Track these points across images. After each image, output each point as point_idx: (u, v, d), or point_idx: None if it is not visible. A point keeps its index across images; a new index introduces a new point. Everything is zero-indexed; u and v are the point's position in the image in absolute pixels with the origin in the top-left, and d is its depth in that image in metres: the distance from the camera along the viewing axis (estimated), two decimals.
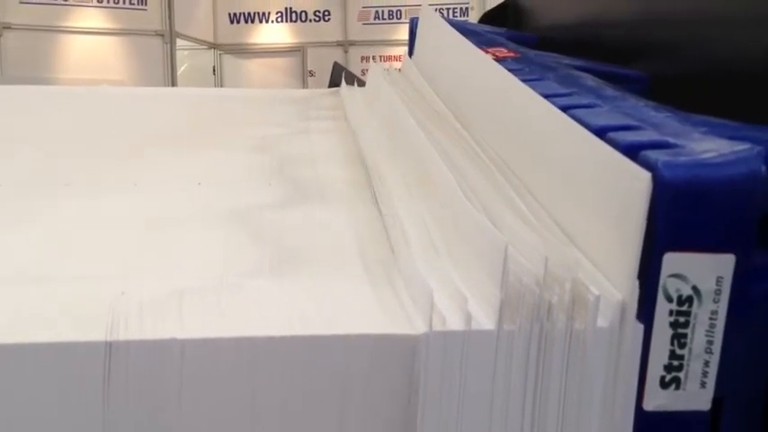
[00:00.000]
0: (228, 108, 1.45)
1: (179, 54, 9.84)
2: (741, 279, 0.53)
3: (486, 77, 0.94)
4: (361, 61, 10.50)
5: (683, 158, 0.54)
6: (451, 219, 0.69)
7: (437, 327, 0.54)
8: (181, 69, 10.06)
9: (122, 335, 0.53)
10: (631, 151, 0.57)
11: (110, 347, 0.52)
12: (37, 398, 0.52)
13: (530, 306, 0.53)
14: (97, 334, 0.53)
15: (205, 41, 10.91)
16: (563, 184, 0.65)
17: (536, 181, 0.71)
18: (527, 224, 0.63)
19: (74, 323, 0.55)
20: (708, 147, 0.56)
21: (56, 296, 0.59)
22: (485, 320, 0.54)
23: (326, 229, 0.77)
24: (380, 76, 1.34)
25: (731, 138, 0.58)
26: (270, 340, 0.54)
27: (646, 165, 0.54)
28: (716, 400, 0.56)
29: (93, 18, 8.98)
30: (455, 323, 0.55)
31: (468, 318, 0.54)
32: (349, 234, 0.76)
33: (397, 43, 10.12)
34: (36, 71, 8.00)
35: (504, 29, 1.45)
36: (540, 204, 0.68)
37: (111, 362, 0.52)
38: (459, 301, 0.56)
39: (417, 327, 0.55)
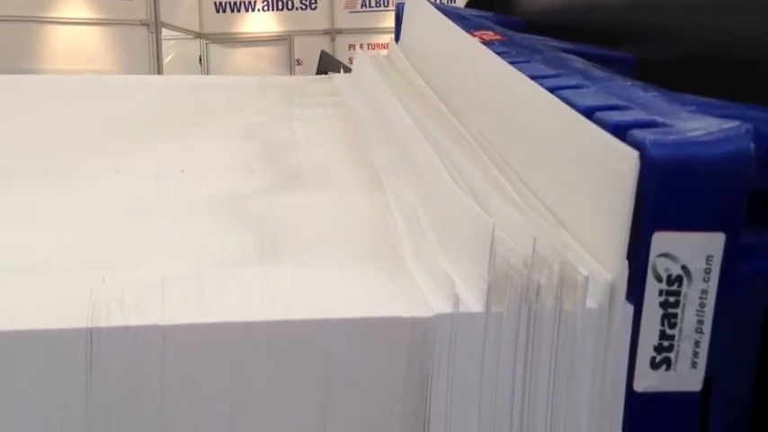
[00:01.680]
0: (213, 95, 1.44)
1: (165, 44, 9.76)
2: (731, 258, 0.53)
3: (474, 60, 0.93)
4: (349, 49, 10.45)
5: (671, 137, 0.54)
6: (439, 202, 0.68)
7: (425, 310, 0.54)
8: (167, 59, 9.99)
9: (103, 322, 0.52)
10: (619, 131, 0.56)
11: (90, 334, 0.52)
12: (18, 385, 0.52)
13: (518, 288, 0.53)
14: (78, 321, 0.52)
15: (191, 31, 10.84)
16: (551, 165, 0.65)
17: (523, 163, 0.70)
18: (514, 206, 0.63)
19: (54, 311, 0.54)
20: (696, 125, 0.56)
21: (36, 284, 0.59)
22: (473, 303, 0.54)
23: (312, 216, 0.77)
24: (367, 63, 1.33)
25: (719, 116, 0.58)
26: (252, 325, 0.53)
27: (633, 144, 0.53)
28: (706, 380, 0.55)
29: (77, 8, 8.89)
30: (443, 306, 0.54)
31: (457, 300, 0.53)
32: (335, 220, 0.75)
33: (384, 31, 10.08)
34: (21, 63, 7.93)
35: (492, 13, 1.45)
36: (528, 186, 0.67)
37: (93, 349, 0.52)
38: (447, 284, 0.56)
39: (404, 311, 0.54)
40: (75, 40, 8.82)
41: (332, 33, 10.95)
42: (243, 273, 0.61)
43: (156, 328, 0.52)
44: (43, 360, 0.51)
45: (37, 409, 0.52)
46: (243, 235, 0.70)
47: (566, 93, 0.68)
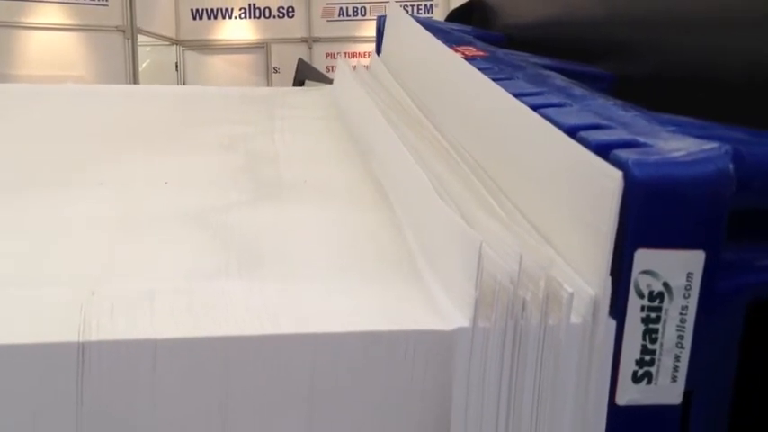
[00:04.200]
0: (196, 106, 1.44)
1: (141, 50, 9.70)
2: (711, 275, 0.54)
3: (457, 77, 0.94)
4: (326, 58, 10.46)
5: (653, 157, 0.55)
6: (425, 217, 0.69)
7: (412, 325, 0.55)
8: (143, 65, 9.93)
9: (94, 335, 0.53)
10: (602, 150, 0.57)
11: (82, 348, 0.52)
12: (8, 400, 0.52)
13: (504, 303, 0.54)
14: (69, 335, 0.52)
15: (167, 37, 10.78)
16: (535, 183, 0.66)
17: (508, 180, 0.72)
18: (500, 223, 0.64)
19: (45, 324, 0.54)
20: (677, 145, 0.57)
21: (25, 298, 0.59)
22: (460, 318, 0.55)
23: (296, 229, 0.77)
24: (348, 75, 1.34)
25: (699, 136, 0.59)
26: (242, 339, 0.54)
27: (617, 163, 0.55)
28: (686, 393, 0.57)
29: (52, 14, 8.82)
30: (430, 321, 0.55)
31: (443, 316, 0.54)
32: (319, 233, 0.76)
33: (361, 40, 10.09)
34: None
35: (471, 27, 1.46)
36: (513, 203, 0.69)
37: (84, 363, 0.52)
38: (434, 298, 0.57)
39: (390, 325, 0.55)
40: (51, 45, 8.75)
41: (309, 42, 10.95)
42: (230, 285, 0.62)
43: (146, 342, 0.52)
44: (33, 374, 0.52)
45: (27, 424, 0.52)
46: (229, 247, 0.70)
47: (548, 111, 0.69)
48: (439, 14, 8.88)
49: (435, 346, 0.54)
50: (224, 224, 0.76)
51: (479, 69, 0.88)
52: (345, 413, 0.55)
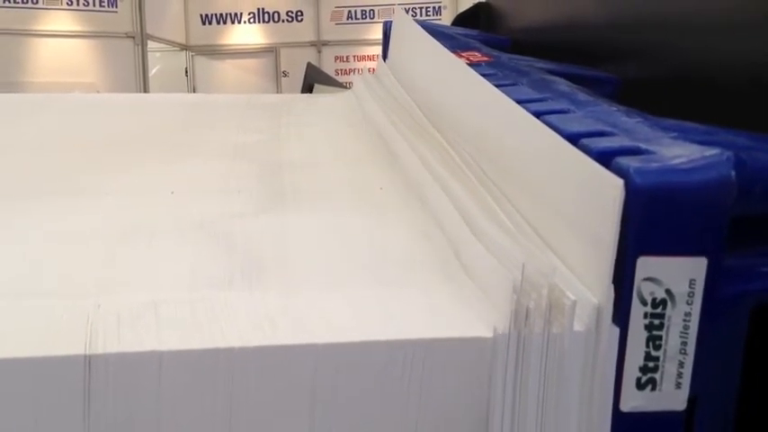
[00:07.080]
0: (203, 114, 1.44)
1: (151, 56, 9.74)
2: (713, 281, 0.54)
3: (461, 83, 0.94)
4: (335, 61, 10.49)
5: (654, 165, 0.55)
6: (426, 232, 0.69)
7: (414, 335, 0.55)
8: (153, 71, 9.96)
9: (101, 348, 0.53)
10: (604, 157, 0.58)
11: (89, 361, 0.52)
12: (15, 414, 0.52)
13: (507, 312, 0.54)
14: (75, 348, 0.53)
15: (177, 43, 10.82)
16: (538, 191, 0.66)
17: (512, 187, 0.72)
18: (504, 230, 0.64)
19: (51, 337, 0.55)
20: (678, 152, 0.57)
21: (31, 310, 0.59)
22: (462, 327, 0.55)
23: (301, 239, 0.77)
24: (358, 83, 1.34)
25: (701, 143, 0.59)
26: (245, 351, 0.54)
27: (618, 171, 0.55)
28: (690, 400, 0.57)
29: (63, 21, 8.87)
30: (433, 330, 0.55)
31: (445, 324, 0.55)
32: (324, 243, 0.76)
33: (370, 43, 10.10)
34: (7, 76, 7.90)
35: (477, 31, 1.46)
36: (517, 210, 0.69)
37: (91, 375, 0.52)
38: (435, 307, 0.57)
39: (392, 335, 0.55)
40: (62, 52, 8.79)
41: (318, 45, 10.96)
42: (233, 296, 0.62)
43: (153, 354, 0.53)
44: (41, 387, 0.52)
45: None
46: (233, 257, 0.71)
47: (552, 118, 0.69)
48: (447, 17, 8.89)
49: (436, 355, 0.54)
50: (230, 234, 0.77)
51: (483, 75, 0.88)
52: (347, 423, 0.55)
